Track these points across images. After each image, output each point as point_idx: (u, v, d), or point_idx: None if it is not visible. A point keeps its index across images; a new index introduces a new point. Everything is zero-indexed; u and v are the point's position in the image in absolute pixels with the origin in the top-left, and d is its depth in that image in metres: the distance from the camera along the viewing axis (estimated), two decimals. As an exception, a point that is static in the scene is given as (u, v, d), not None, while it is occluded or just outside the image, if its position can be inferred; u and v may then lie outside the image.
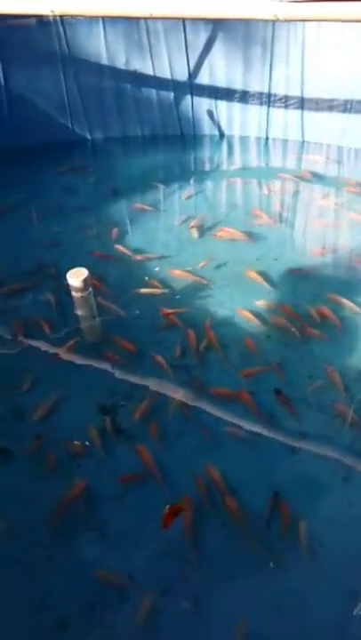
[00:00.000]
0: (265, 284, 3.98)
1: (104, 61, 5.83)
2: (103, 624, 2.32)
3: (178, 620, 2.34)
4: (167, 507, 2.54)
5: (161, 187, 5.38)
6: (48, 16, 4.73)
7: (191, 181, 5.48)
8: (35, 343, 3.63)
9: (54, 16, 4.93)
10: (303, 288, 3.97)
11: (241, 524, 2.59)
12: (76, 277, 3.42)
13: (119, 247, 4.44)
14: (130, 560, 2.52)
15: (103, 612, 2.35)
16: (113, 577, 2.46)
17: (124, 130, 6.20)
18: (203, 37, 5.65)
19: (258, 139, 6.11)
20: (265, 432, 3.00)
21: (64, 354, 3.53)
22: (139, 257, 4.34)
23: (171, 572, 2.47)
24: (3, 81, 5.75)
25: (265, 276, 4.05)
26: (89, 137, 6.21)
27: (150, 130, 6.23)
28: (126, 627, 2.31)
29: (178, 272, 4.13)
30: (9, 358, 3.55)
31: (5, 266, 4.31)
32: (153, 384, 3.31)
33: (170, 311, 3.75)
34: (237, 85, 5.85)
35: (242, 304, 3.81)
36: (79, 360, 3.50)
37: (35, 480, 2.86)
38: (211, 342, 3.52)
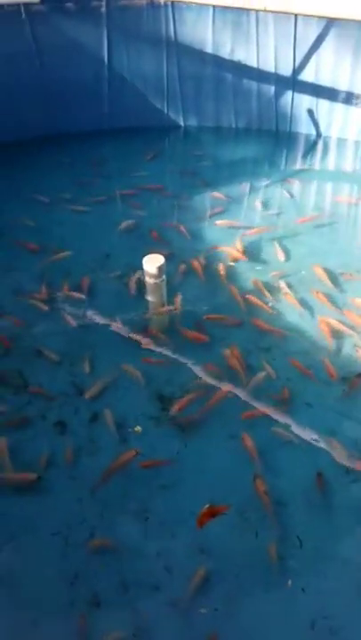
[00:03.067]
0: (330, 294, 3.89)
1: (208, 48, 5.77)
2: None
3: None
4: (207, 506, 2.49)
5: (247, 182, 5.30)
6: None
7: (279, 180, 5.35)
8: (102, 321, 3.72)
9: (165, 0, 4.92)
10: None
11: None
12: (151, 263, 3.41)
13: (193, 238, 4.44)
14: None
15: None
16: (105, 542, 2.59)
17: (219, 120, 6.14)
18: (313, 32, 5.44)
19: (356, 143, 5.87)
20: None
21: (130, 335, 3.59)
22: (214, 249, 4.32)
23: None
24: (107, 59, 5.83)
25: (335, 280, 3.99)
26: (182, 124, 6.20)
27: (245, 122, 6.13)
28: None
29: (250, 274, 4.10)
30: (76, 333, 3.65)
31: (86, 245, 4.40)
32: (211, 378, 3.32)
33: (212, 316, 3.73)
34: (342, 86, 5.63)
35: (321, 314, 3.77)
36: (144, 344, 3.55)
37: (85, 456, 2.94)
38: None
